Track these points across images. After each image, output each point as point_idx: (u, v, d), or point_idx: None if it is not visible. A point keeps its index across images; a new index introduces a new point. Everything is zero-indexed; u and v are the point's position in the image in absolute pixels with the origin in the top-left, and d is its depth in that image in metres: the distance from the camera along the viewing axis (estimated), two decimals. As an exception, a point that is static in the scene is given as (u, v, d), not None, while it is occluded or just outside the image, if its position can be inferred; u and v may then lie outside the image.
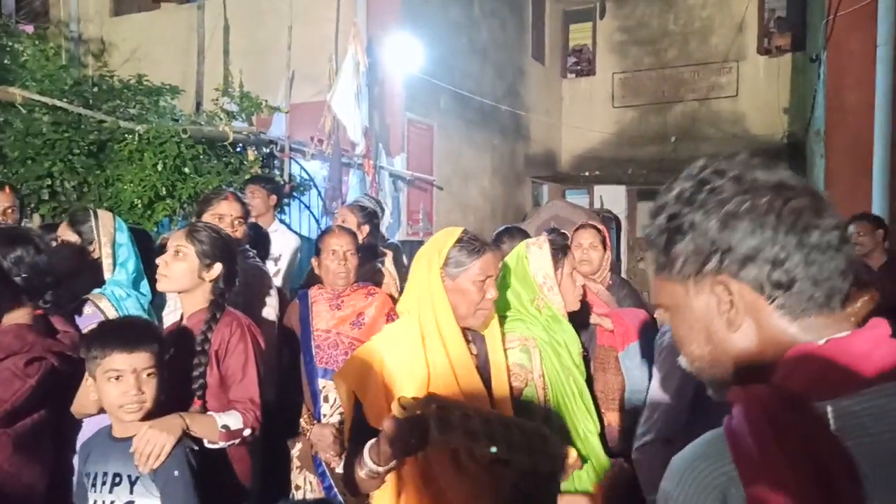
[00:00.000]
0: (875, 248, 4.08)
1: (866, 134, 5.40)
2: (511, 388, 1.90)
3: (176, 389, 1.96)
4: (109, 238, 2.35)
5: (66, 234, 2.31)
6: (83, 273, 2.31)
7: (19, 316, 1.99)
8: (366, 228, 3.23)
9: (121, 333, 1.86)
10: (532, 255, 2.09)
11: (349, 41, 5.98)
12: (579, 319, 3.02)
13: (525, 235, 3.04)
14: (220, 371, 2.04)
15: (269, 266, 3.98)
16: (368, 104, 7.02)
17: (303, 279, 3.40)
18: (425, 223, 8.03)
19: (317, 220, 5.87)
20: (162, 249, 2.25)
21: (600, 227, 3.23)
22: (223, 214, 2.64)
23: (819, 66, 6.42)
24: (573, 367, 2.07)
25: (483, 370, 1.79)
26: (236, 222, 2.67)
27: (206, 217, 2.65)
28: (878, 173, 5.34)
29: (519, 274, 2.08)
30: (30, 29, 9.13)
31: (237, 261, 2.18)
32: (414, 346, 1.71)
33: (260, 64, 7.54)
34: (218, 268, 2.11)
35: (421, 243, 7.37)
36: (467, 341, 1.78)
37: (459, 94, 8.53)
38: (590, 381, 2.50)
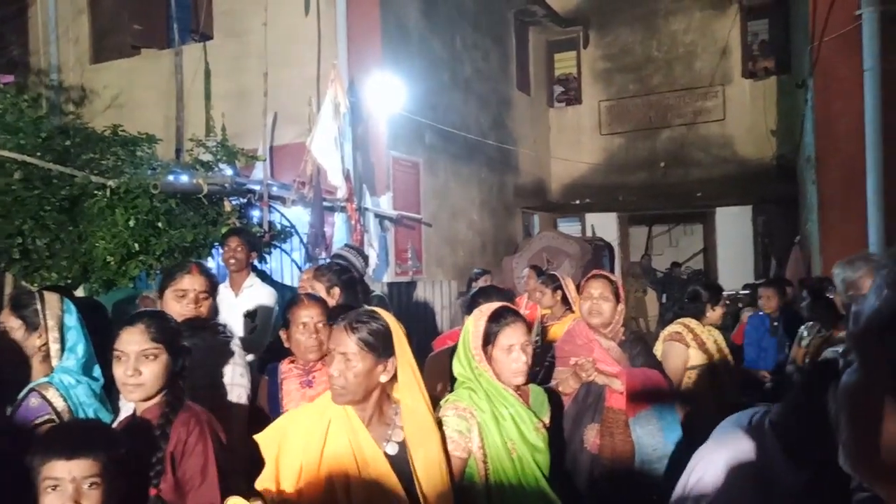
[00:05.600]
0: None
1: (858, 161, 5.29)
2: (450, 460, 1.88)
3: (126, 499, 1.77)
4: (56, 321, 2.17)
5: (8, 320, 2.13)
6: (28, 361, 2.12)
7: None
8: (336, 291, 3.02)
9: (62, 437, 1.68)
10: (469, 326, 2.10)
11: (328, 84, 5.87)
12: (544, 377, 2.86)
13: (501, 294, 2.85)
14: (177, 475, 1.85)
15: (246, 323, 3.82)
16: (352, 145, 6.91)
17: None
18: (414, 262, 7.87)
19: (299, 268, 5.70)
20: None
21: (614, 278, 3.02)
22: (185, 290, 2.45)
23: (806, 91, 6.34)
24: (520, 442, 1.97)
25: (400, 458, 1.74)
26: (201, 297, 2.48)
27: (168, 293, 2.47)
28: (873, 201, 5.22)
29: (465, 343, 2.08)
30: (9, 79, 9.06)
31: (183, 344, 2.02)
32: (318, 418, 1.76)
33: (243, 107, 7.45)
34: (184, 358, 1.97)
35: (411, 284, 7.15)
36: (385, 423, 1.79)
37: (444, 130, 8.44)
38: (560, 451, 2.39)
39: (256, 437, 1.83)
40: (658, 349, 3.66)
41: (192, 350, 2.33)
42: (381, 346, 1.76)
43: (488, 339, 2.03)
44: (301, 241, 5.78)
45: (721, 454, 1.44)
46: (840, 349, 2.57)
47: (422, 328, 6.69)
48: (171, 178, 4.95)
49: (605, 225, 11.55)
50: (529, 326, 2.19)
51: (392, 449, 1.75)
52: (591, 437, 2.77)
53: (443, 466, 1.78)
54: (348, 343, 1.75)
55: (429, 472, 1.72)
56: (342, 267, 3.24)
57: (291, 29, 7.34)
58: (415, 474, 1.71)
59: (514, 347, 2.02)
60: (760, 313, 4.70)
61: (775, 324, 4.56)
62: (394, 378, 1.81)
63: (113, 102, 8.54)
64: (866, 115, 5.32)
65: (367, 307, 1.90)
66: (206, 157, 5.12)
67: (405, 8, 7.86)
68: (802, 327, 4.00)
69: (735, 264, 10.23)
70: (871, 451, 0.62)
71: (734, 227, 10.61)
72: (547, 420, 2.12)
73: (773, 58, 10.84)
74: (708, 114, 11.29)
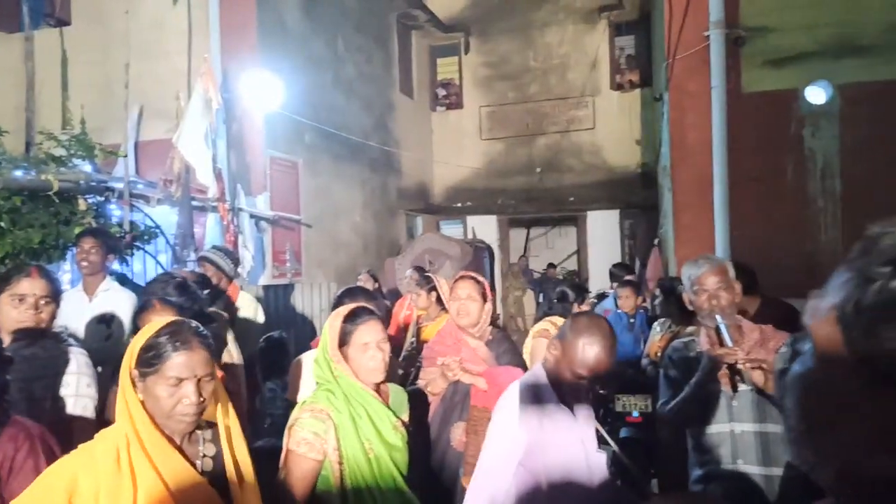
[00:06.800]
0: None
1: (706, 171, 5.79)
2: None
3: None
4: None
5: None
6: None
7: None
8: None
9: None
10: (326, 329, 2.08)
11: (197, 77, 5.62)
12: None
13: (367, 295, 2.87)
14: (5, 495, 1.71)
15: (101, 330, 3.57)
16: (226, 142, 6.66)
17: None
18: (293, 263, 7.70)
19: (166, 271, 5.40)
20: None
21: (480, 279, 3.10)
22: (24, 294, 2.25)
23: (662, 105, 6.85)
24: (377, 442, 1.98)
25: (215, 473, 1.60)
26: (41, 302, 2.29)
27: (4, 298, 2.26)
28: (719, 208, 5.73)
29: (323, 345, 2.06)
30: None
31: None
32: (114, 463, 1.46)
33: (104, 99, 6.95)
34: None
35: (289, 286, 6.94)
36: (195, 441, 1.61)
37: (326, 130, 8.32)
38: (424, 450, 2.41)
39: (23, 499, 1.46)
40: (527, 346, 3.83)
41: (32, 360, 2.17)
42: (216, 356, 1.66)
43: (344, 340, 2.04)
44: (168, 242, 5.49)
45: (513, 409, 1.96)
46: (685, 340, 2.80)
47: (300, 331, 6.55)
48: (18, 173, 4.53)
49: (485, 227, 11.88)
50: (401, 326, 2.22)
51: (207, 465, 1.61)
52: (458, 435, 2.85)
53: (252, 471, 1.68)
54: (209, 362, 1.57)
55: (246, 480, 1.64)
56: (169, 275, 3.01)
57: (158, 17, 6.95)
58: (233, 486, 1.61)
59: (369, 345, 2.03)
60: (618, 311, 5.04)
61: (632, 321, 4.92)
62: None
63: (-49, 88, 7.70)
64: (713, 129, 5.83)
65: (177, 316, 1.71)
66: (59, 152, 4.73)
67: (283, 4, 7.68)
68: (656, 323, 4.34)
69: (605, 264, 10.78)
70: (829, 446, 0.60)
71: (604, 229, 11.27)
72: (406, 418, 2.15)
73: (637, 71, 11.61)
74: (580, 122, 11.90)
